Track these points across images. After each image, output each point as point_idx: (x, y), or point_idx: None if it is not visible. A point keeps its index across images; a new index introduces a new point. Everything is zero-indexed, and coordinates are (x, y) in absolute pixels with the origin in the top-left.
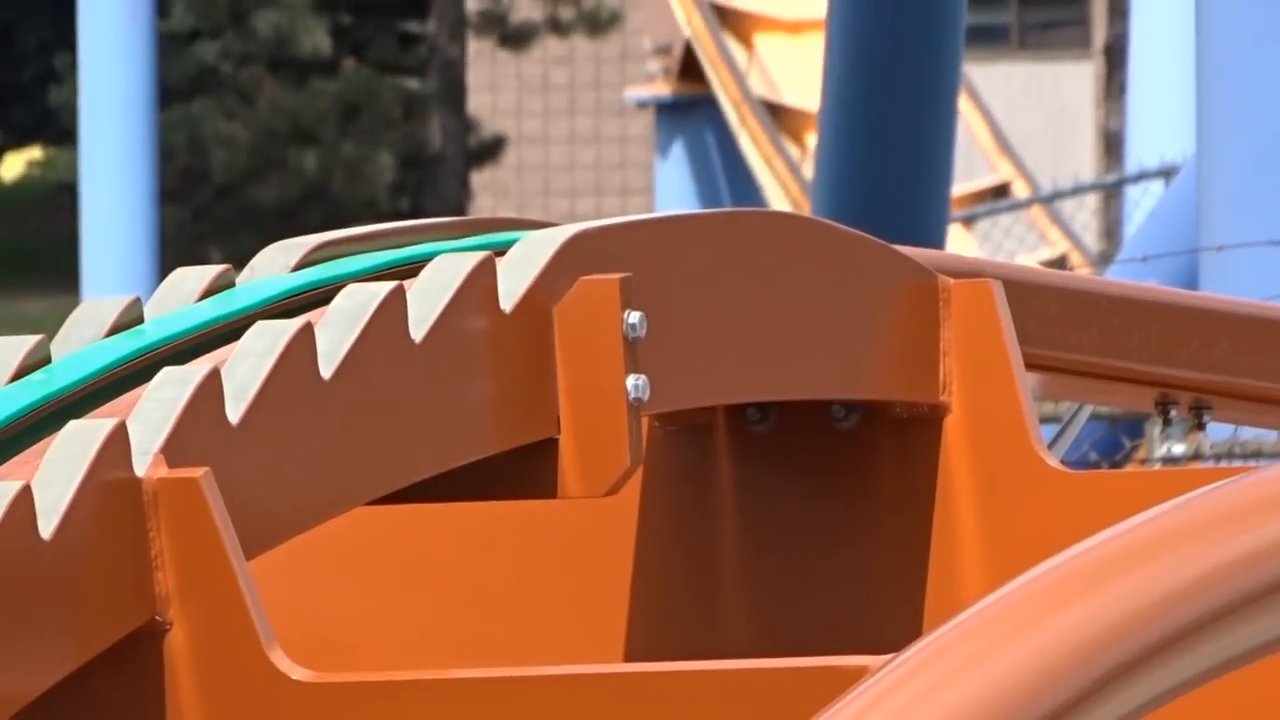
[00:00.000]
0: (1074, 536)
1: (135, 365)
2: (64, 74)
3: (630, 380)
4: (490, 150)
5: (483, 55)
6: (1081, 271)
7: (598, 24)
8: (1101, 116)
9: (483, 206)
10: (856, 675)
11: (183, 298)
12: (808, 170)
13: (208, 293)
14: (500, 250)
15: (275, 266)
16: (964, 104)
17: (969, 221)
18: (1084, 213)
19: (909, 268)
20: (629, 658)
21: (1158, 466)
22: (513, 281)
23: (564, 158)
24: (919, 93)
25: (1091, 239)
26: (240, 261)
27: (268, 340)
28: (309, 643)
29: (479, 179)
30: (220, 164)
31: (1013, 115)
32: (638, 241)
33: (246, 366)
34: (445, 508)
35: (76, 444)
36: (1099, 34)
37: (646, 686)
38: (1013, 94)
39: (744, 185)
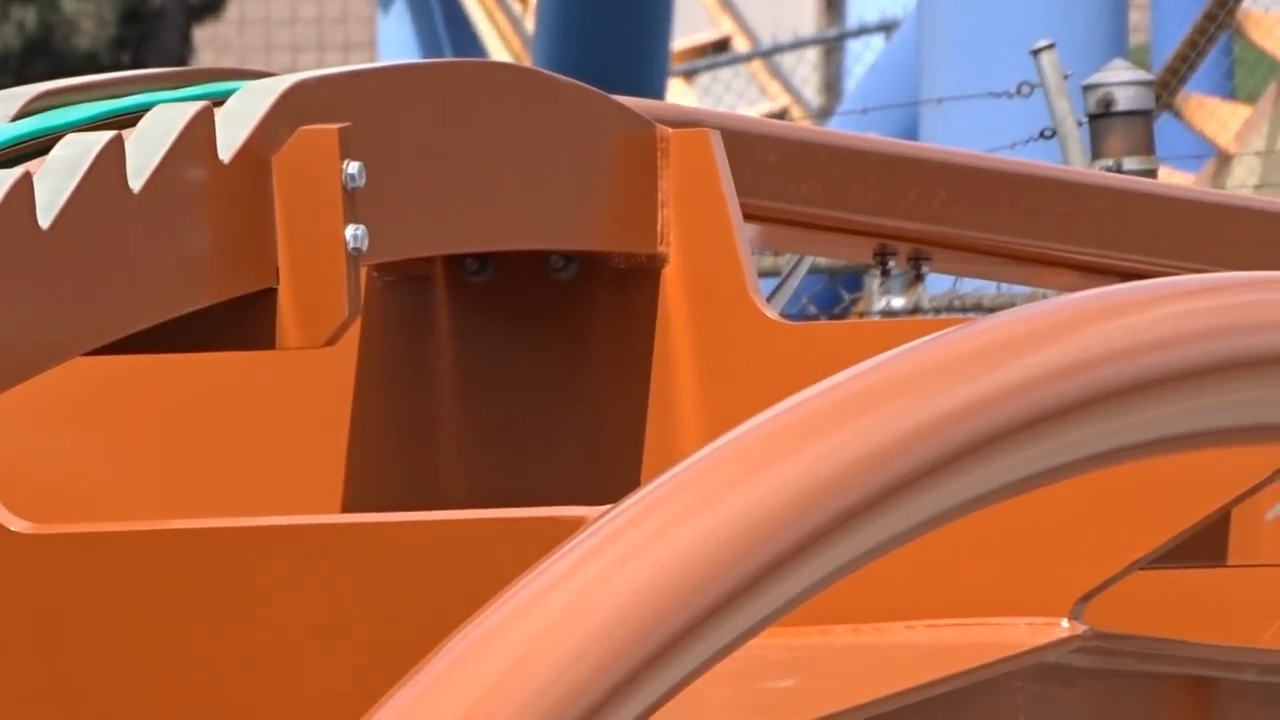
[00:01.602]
0: (791, 387)
1: None
2: None
3: (349, 230)
4: (211, 5)
5: None
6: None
7: None
8: None
9: (204, 61)
10: (574, 526)
11: None
12: (530, 25)
13: None
14: (219, 100)
15: None
16: None
17: (689, 76)
18: (804, 67)
19: (627, 117)
20: (347, 510)
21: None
22: (231, 131)
23: (285, 11)
24: None
25: (812, 93)
26: None
27: None
28: (27, 494)
29: (201, 34)
30: None
31: None
32: (357, 91)
33: None
34: (164, 359)
35: None
36: None
37: (364, 537)
38: None
39: (466, 40)
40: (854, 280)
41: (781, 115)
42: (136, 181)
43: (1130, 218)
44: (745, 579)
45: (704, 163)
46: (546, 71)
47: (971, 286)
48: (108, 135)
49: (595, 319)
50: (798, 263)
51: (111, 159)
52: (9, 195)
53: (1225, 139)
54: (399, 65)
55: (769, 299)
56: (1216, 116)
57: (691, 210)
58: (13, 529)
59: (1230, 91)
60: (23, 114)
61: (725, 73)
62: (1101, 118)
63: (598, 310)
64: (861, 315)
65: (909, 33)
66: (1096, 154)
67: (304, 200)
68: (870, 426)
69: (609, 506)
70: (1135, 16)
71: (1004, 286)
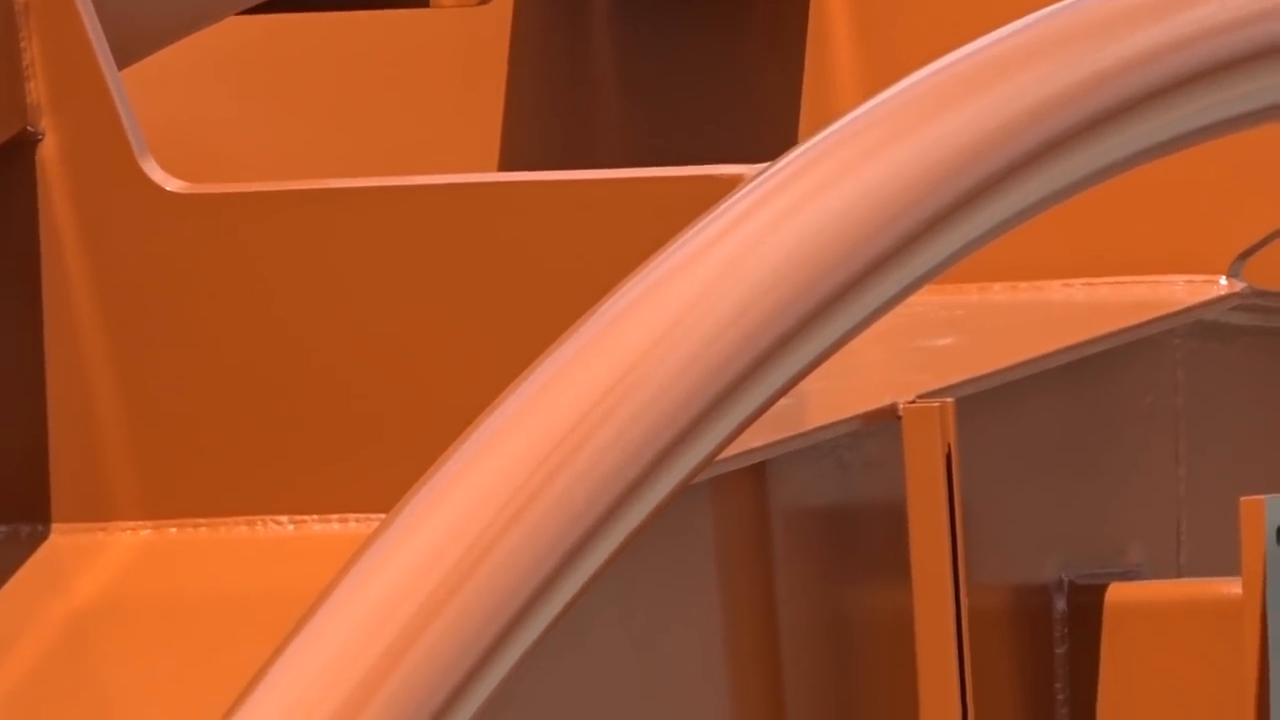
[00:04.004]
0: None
1: None
2: None
3: None
4: None
5: None
6: None
7: None
8: None
9: None
10: (731, 184)
11: None
12: None
13: None
14: None
15: None
16: None
17: None
18: None
19: None
20: (504, 170)
21: None
22: None
23: None
24: None
25: None
26: None
27: None
28: (183, 155)
29: None
30: None
31: None
32: None
33: None
34: (320, 17)
35: None
36: None
37: (521, 195)
38: None
39: None
40: None
41: None
42: None
43: None
44: (904, 235)
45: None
46: None
47: None
48: None
49: None
50: None
51: None
52: None
53: None
54: None
55: None
56: None
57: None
58: (168, 188)
59: None
60: None
61: None
62: None
63: None
64: None
65: None
66: None
67: None
68: (1031, 81)
69: (766, 164)
70: None
71: None
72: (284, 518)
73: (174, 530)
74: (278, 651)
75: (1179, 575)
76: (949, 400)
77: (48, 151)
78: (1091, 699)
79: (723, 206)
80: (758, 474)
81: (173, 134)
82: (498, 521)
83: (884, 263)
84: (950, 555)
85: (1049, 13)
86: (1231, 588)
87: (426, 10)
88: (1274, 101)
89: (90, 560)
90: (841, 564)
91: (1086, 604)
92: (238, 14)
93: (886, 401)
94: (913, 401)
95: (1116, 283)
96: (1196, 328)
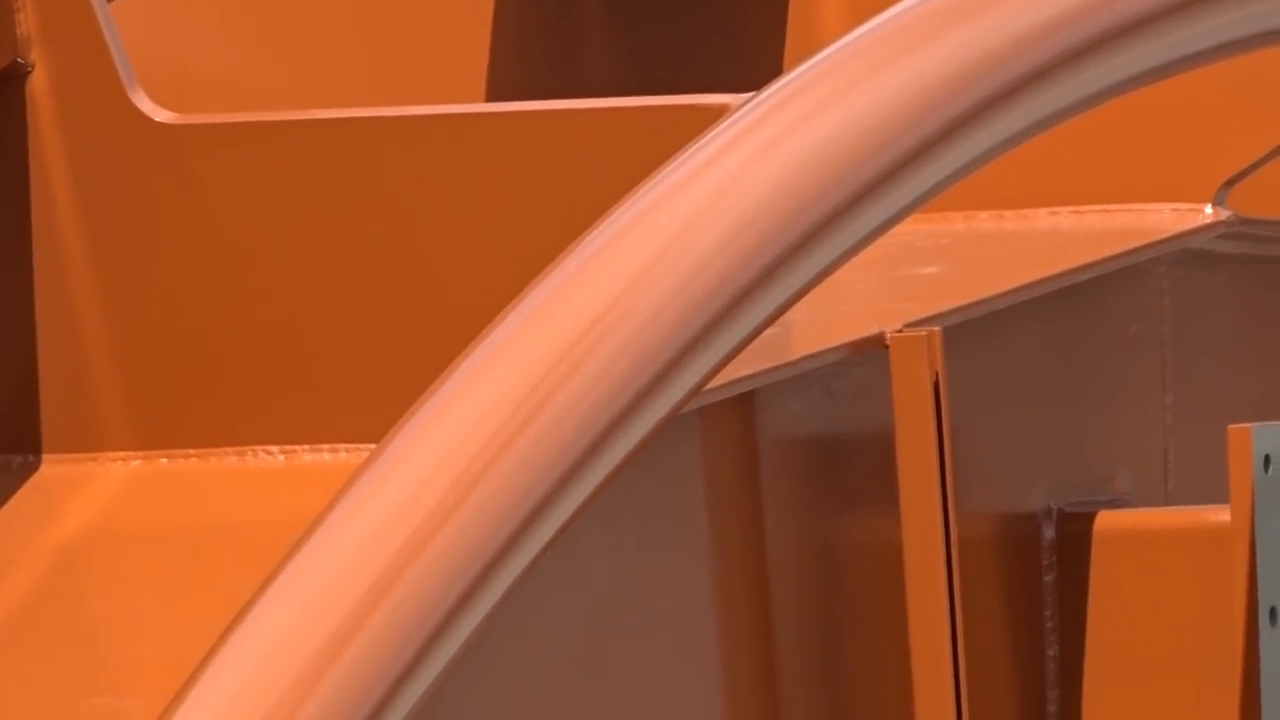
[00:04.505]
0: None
1: None
2: None
3: None
4: None
5: None
6: None
7: None
8: None
9: None
10: (718, 114)
11: None
12: None
13: None
14: None
15: None
16: None
17: None
18: None
19: None
20: (490, 99)
21: None
22: None
23: None
24: None
25: None
26: None
27: None
28: (171, 85)
29: None
30: None
31: None
32: None
33: None
34: None
35: None
36: None
37: (507, 126)
38: None
39: None
40: None
41: None
42: None
43: None
44: (890, 163)
45: None
46: None
47: None
48: None
49: None
50: None
51: None
52: None
53: None
54: None
55: None
56: None
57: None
58: (157, 119)
59: None
60: None
61: None
62: None
63: None
64: None
65: None
66: None
67: None
68: (1020, 7)
69: (752, 94)
70: None
71: None
72: (274, 448)
73: (164, 460)
74: (279, 569)
75: (1166, 503)
76: (936, 329)
77: (37, 83)
78: (1080, 626)
79: (709, 136)
80: (746, 403)
81: (162, 65)
82: (487, 451)
83: (870, 192)
84: (939, 483)
85: None
86: (1219, 515)
87: None
88: (1269, 27)
89: (80, 491)
90: (830, 492)
91: (1075, 532)
92: None
93: (874, 330)
94: (900, 330)
95: (1103, 211)
96: (1182, 256)
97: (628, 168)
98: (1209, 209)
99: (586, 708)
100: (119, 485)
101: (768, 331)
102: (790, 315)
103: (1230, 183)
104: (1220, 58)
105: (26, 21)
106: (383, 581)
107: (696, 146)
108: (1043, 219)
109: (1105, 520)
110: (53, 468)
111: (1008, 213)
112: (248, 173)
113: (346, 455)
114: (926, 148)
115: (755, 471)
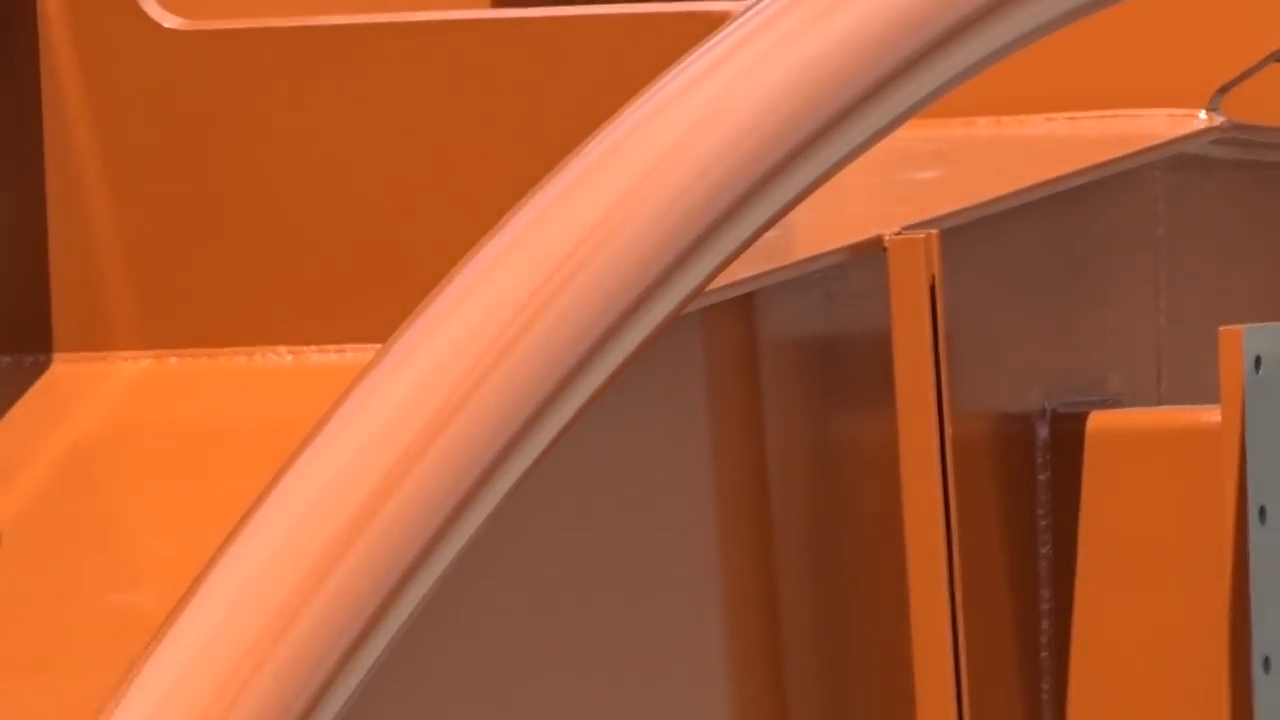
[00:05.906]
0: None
1: None
2: None
3: None
4: None
5: None
6: None
7: None
8: None
9: None
10: (719, 21)
11: None
12: None
13: None
14: None
15: None
16: None
17: None
18: None
19: None
20: (494, 5)
21: None
22: None
23: None
24: None
25: None
26: None
27: None
28: None
29: None
30: None
31: None
32: None
33: None
34: None
35: None
36: None
37: (512, 32)
38: None
39: None
40: None
41: None
42: None
43: None
44: (891, 68)
45: None
46: None
47: None
48: None
49: None
50: None
51: None
52: None
53: None
54: None
55: None
56: None
57: None
58: (166, 25)
59: None
60: None
61: None
62: None
63: None
64: None
65: None
66: None
67: None
68: None
69: (753, 0)
70: None
71: None
72: (283, 348)
73: (174, 360)
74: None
75: (1159, 404)
76: (933, 231)
77: None
78: (1073, 525)
79: (711, 41)
80: (746, 305)
81: None
82: (492, 350)
83: (870, 96)
84: (934, 384)
85: None
86: (1211, 415)
87: None
88: None
89: (91, 390)
90: (828, 392)
91: (1068, 432)
92: None
93: (872, 233)
94: (898, 233)
95: (1099, 117)
96: (1177, 161)
97: (632, 74)
98: (1203, 114)
99: (589, 608)
100: (129, 384)
101: (768, 234)
102: (791, 218)
103: (1225, 89)
104: None
105: None
106: (392, 476)
107: (700, 52)
108: (1040, 125)
109: (1098, 420)
110: (63, 366)
111: (1005, 118)
112: (256, 77)
113: (354, 355)
114: (927, 52)
115: (755, 372)
